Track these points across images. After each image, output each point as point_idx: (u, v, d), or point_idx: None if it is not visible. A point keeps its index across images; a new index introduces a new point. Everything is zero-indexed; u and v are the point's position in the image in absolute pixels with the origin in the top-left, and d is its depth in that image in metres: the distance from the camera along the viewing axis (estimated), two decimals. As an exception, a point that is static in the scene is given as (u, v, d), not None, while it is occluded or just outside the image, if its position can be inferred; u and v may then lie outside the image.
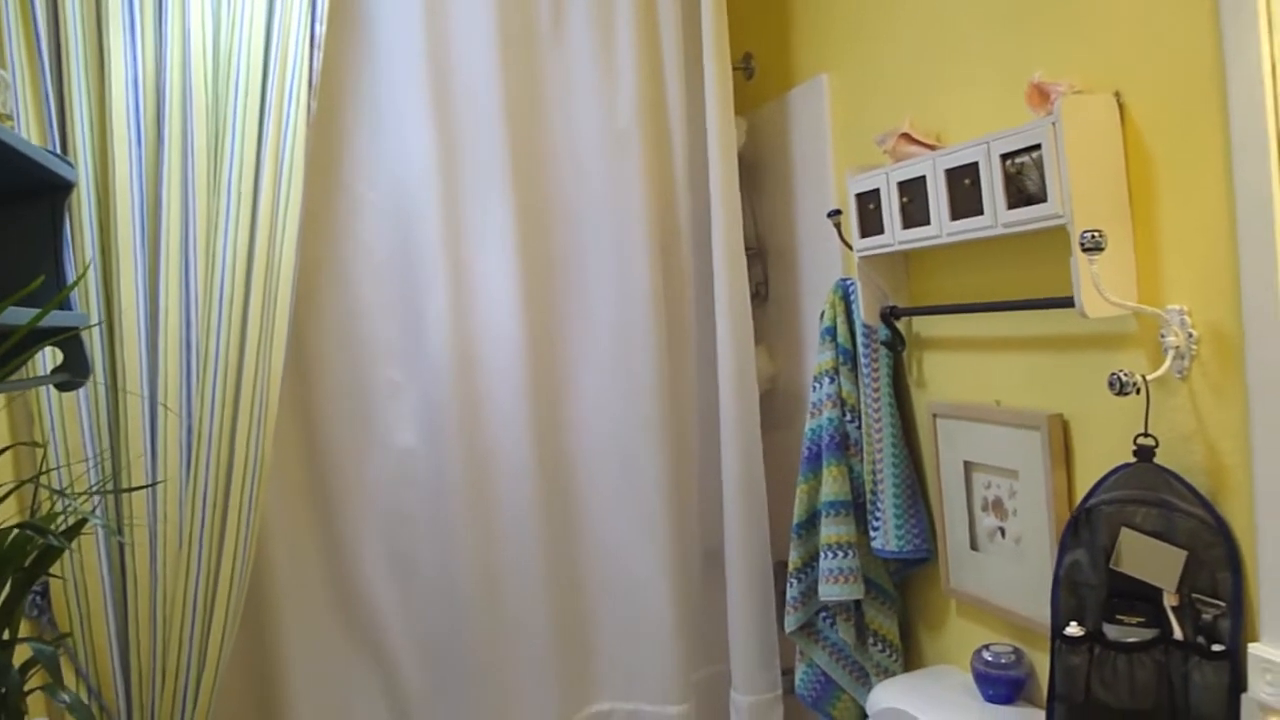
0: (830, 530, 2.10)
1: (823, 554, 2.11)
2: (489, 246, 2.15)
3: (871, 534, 2.07)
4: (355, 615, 2.18)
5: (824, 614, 2.21)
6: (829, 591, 2.10)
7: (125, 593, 1.80)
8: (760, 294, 2.68)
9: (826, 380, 2.14)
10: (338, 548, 2.17)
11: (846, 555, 2.08)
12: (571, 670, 2.29)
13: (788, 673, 2.57)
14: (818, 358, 2.17)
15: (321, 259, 2.10)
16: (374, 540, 2.18)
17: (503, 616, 2.20)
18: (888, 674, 2.12)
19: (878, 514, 2.05)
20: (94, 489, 1.70)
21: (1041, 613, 1.71)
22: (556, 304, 2.25)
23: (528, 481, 2.20)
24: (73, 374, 1.57)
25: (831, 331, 2.13)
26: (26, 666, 1.15)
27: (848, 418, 2.12)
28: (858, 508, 2.11)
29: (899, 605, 2.16)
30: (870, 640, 2.13)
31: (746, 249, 2.70)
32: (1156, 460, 1.45)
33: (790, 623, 2.23)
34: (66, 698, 1.04)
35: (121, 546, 1.78)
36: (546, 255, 2.24)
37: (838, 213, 2.14)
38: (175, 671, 1.82)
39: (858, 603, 2.13)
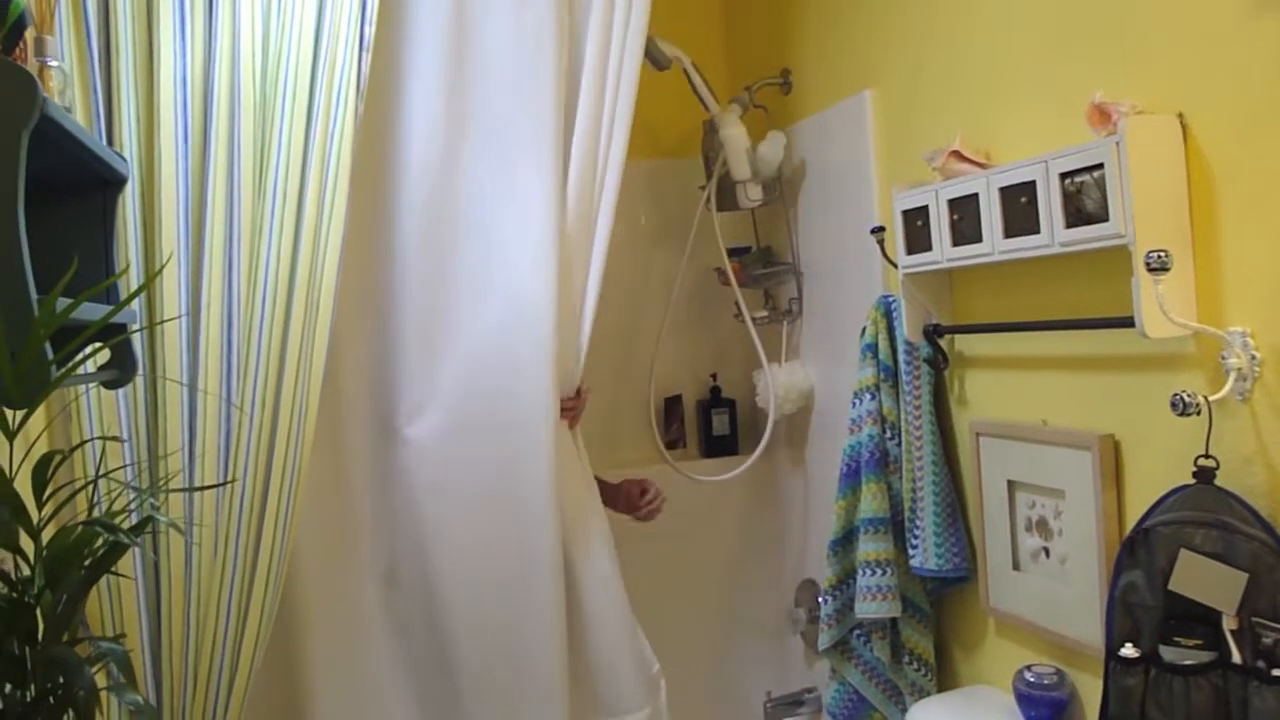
0: (869, 547, 2.09)
1: (860, 571, 2.10)
2: (524, 249, 2.12)
3: (910, 552, 2.06)
4: (382, 630, 2.15)
5: (858, 632, 2.19)
6: (866, 609, 2.08)
7: (159, 595, 1.77)
8: (792, 310, 2.68)
9: (867, 396, 2.13)
10: (364, 561, 2.15)
11: (884, 573, 2.07)
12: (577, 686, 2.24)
13: (814, 690, 2.56)
14: (858, 374, 2.16)
15: (359, 263, 2.08)
16: (401, 555, 2.16)
17: (524, 635, 2.16)
18: (922, 693, 2.10)
19: (917, 532, 2.03)
20: (163, 486, 1.68)
21: (1087, 634, 1.70)
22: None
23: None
24: (121, 371, 1.56)
25: (872, 348, 2.12)
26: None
27: (888, 435, 2.11)
28: (896, 525, 2.10)
29: (934, 624, 2.14)
30: (905, 659, 2.12)
31: (781, 264, 2.71)
32: (1216, 482, 1.44)
33: (824, 640, 2.21)
34: (137, 699, 1.02)
35: (156, 548, 1.76)
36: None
37: (881, 229, 2.14)
38: (207, 677, 1.79)
39: (893, 621, 2.12)
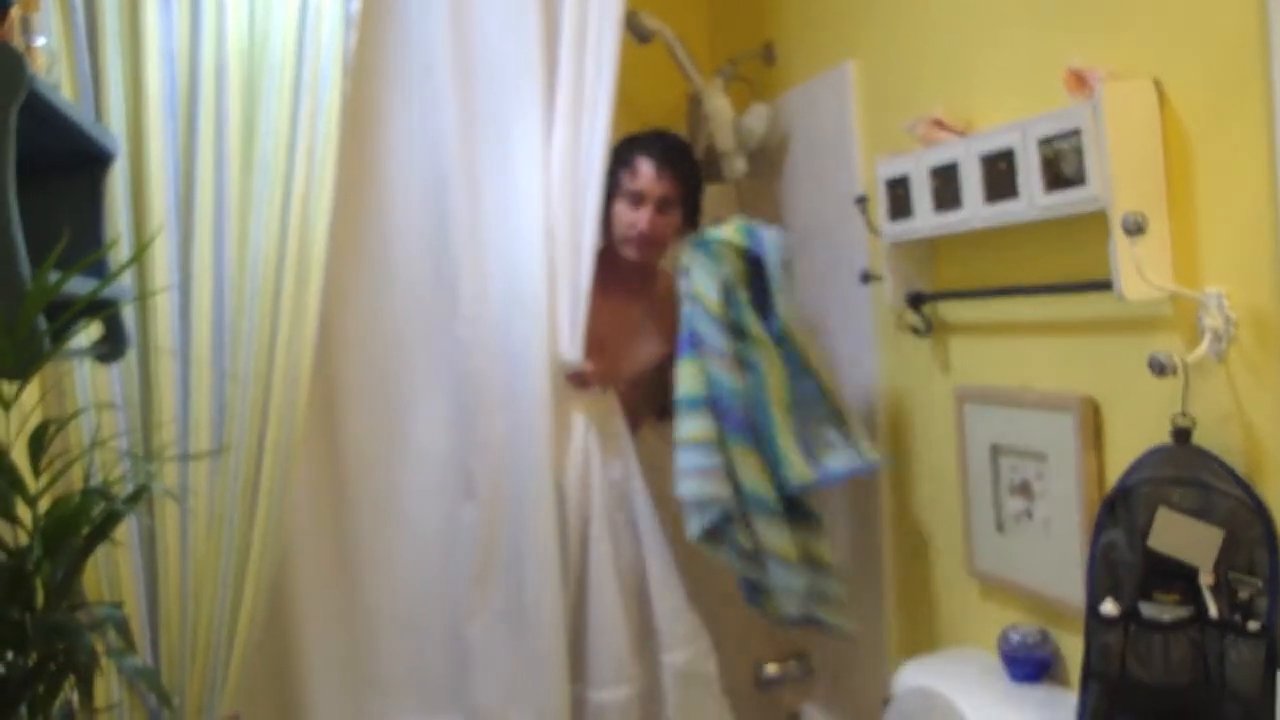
0: (690, 427, 2.11)
1: (681, 451, 2.11)
2: (519, 224, 2.14)
3: (790, 461, 2.07)
4: (379, 602, 2.18)
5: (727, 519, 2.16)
6: (689, 488, 2.08)
7: (155, 564, 1.79)
8: (778, 281, 2.70)
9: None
10: (355, 546, 2.17)
11: (707, 453, 2.09)
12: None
13: (803, 656, 2.58)
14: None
15: (352, 237, 2.09)
16: (393, 535, 2.18)
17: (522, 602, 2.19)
18: (825, 596, 2.16)
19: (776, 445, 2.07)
20: (158, 455, 1.70)
21: (1070, 593, 1.73)
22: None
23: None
24: (113, 345, 1.57)
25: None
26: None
27: (700, 314, 2.13)
28: (713, 408, 2.11)
29: (817, 523, 2.18)
30: (774, 562, 2.12)
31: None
32: (1193, 441, 1.47)
33: (690, 528, 2.17)
34: (136, 663, 1.05)
35: (152, 520, 1.78)
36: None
37: (864, 199, 2.16)
38: (206, 649, 1.82)
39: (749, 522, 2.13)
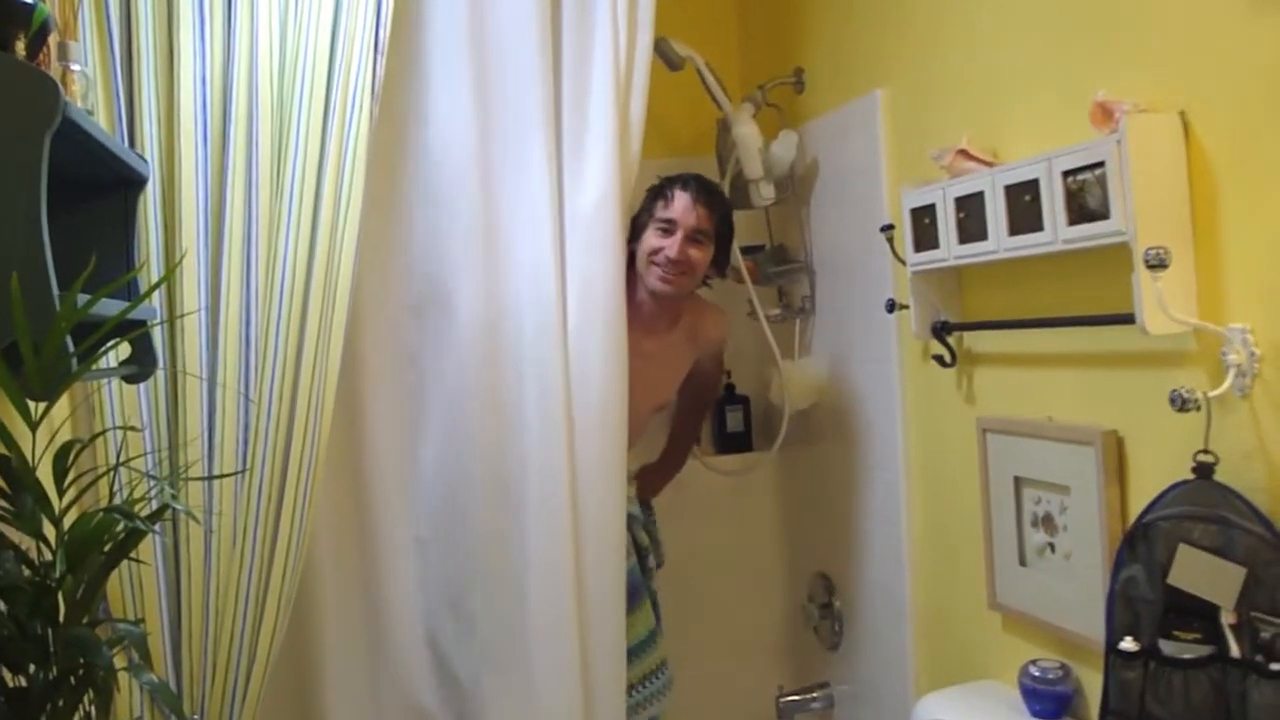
0: None
1: None
2: (538, 251, 2.15)
3: None
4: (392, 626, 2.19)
5: None
6: None
7: (179, 582, 1.82)
8: (805, 308, 2.71)
9: None
10: (376, 553, 2.18)
11: None
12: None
13: (826, 685, 2.57)
14: None
15: (374, 256, 2.11)
16: (414, 546, 2.19)
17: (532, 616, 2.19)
18: None
19: None
20: (180, 475, 1.72)
21: (1091, 628, 1.71)
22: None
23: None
24: (141, 366, 1.60)
25: None
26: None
27: None
28: None
29: None
30: None
31: (794, 262, 2.73)
32: (1216, 477, 1.46)
33: None
34: (154, 679, 1.06)
35: (176, 536, 1.80)
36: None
37: (890, 228, 2.16)
38: (226, 666, 1.83)
39: None
